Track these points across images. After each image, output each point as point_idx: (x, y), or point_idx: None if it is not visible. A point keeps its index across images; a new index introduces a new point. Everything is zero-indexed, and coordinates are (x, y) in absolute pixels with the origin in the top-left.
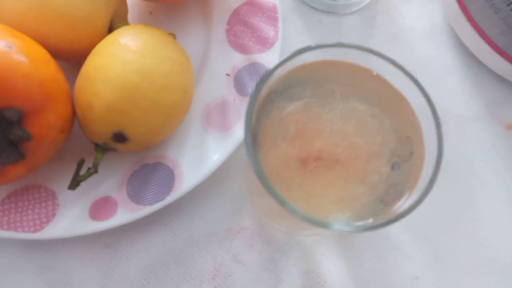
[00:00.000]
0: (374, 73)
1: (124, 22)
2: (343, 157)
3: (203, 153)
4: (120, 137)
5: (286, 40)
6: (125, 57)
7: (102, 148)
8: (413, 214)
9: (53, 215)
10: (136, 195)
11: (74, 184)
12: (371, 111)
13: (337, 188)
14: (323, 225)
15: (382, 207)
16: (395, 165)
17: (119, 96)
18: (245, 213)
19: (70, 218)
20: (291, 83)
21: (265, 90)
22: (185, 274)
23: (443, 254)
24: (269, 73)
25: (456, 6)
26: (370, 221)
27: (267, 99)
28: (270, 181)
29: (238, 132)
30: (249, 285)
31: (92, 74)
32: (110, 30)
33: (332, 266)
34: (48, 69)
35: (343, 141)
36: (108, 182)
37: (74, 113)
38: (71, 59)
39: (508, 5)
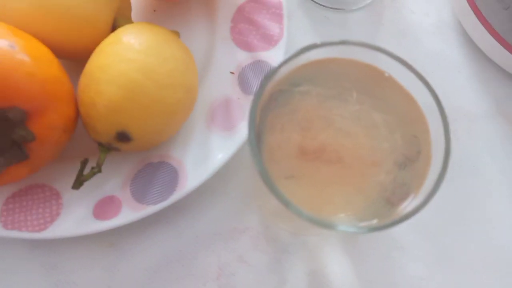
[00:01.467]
0: (383, 72)
1: (127, 20)
2: (345, 155)
3: (207, 152)
4: (123, 137)
5: (291, 37)
6: (128, 55)
7: (105, 148)
8: (420, 214)
9: (58, 214)
10: (140, 195)
11: (78, 183)
12: (382, 113)
13: (341, 188)
14: (328, 226)
15: (389, 207)
16: (402, 165)
17: (123, 95)
18: (250, 212)
19: (74, 217)
20: (296, 81)
21: (269, 88)
22: (189, 273)
23: (449, 255)
24: (274, 71)
25: (464, 2)
26: (375, 222)
27: (271, 98)
28: (273, 181)
29: (242, 131)
30: (253, 285)
31: (95, 73)
32: (113, 28)
33: (338, 267)
34: (51, 68)
35: (349, 140)
36: (112, 182)
37: (77, 113)
38: (74, 58)
39: None
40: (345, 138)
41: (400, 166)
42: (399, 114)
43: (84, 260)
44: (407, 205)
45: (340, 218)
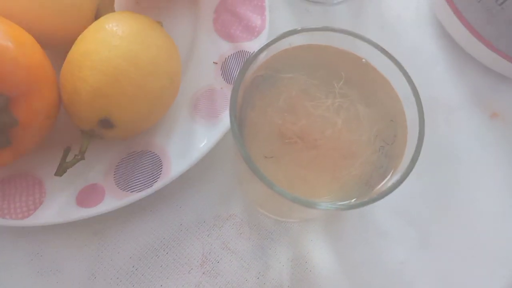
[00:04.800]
0: (361, 59)
1: (111, 10)
2: (322, 144)
3: (190, 140)
4: (106, 123)
5: (273, 29)
6: (112, 42)
7: (88, 135)
8: (401, 200)
9: (41, 202)
10: (124, 182)
11: (61, 170)
12: (363, 104)
13: (318, 174)
14: (310, 204)
15: (367, 188)
16: (379, 150)
17: (106, 81)
18: (234, 200)
19: (58, 205)
20: (279, 67)
21: (251, 72)
22: (174, 261)
23: (430, 240)
24: (256, 54)
25: None
26: (353, 201)
27: (254, 82)
28: (255, 161)
29: (225, 120)
30: (237, 271)
31: (78, 59)
32: (96, 18)
33: (320, 253)
34: (34, 54)
35: (327, 129)
36: (95, 170)
37: (60, 100)
38: (57, 46)
39: None
40: (324, 126)
41: (377, 152)
42: (378, 102)
43: (68, 248)
44: (384, 184)
45: (322, 199)
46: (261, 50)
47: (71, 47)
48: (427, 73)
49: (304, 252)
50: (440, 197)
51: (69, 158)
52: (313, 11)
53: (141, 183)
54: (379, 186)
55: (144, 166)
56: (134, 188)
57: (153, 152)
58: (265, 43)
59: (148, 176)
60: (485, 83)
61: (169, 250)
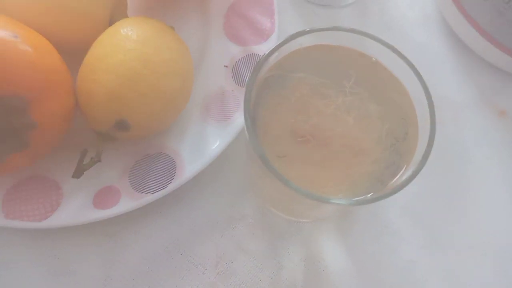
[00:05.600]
0: (371, 58)
1: (124, 16)
2: (333, 142)
3: (203, 142)
4: (122, 125)
5: (282, 32)
6: (126, 46)
7: (104, 137)
8: (410, 200)
9: (58, 204)
10: (139, 184)
11: (79, 172)
12: (374, 103)
13: (330, 172)
14: (323, 199)
15: (379, 185)
16: (391, 148)
17: (121, 83)
18: (246, 201)
19: (74, 207)
20: (290, 67)
21: (263, 72)
22: (188, 262)
23: (439, 238)
24: (267, 56)
25: None
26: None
27: (266, 82)
28: (271, 162)
29: (237, 121)
30: (251, 271)
31: (94, 63)
32: (110, 23)
33: (333, 252)
34: (52, 58)
35: (339, 127)
36: (110, 172)
37: (76, 103)
38: (73, 51)
39: None
40: (335, 125)
41: (389, 149)
42: (388, 100)
43: (84, 250)
44: (396, 181)
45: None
46: (273, 51)
47: (86, 51)
48: (434, 72)
49: (316, 251)
50: (449, 196)
51: (85, 160)
52: (320, 14)
53: (155, 185)
54: (391, 183)
55: (158, 168)
56: (148, 190)
57: (167, 154)
58: (276, 44)
59: (162, 178)
60: (493, 82)
61: (183, 251)
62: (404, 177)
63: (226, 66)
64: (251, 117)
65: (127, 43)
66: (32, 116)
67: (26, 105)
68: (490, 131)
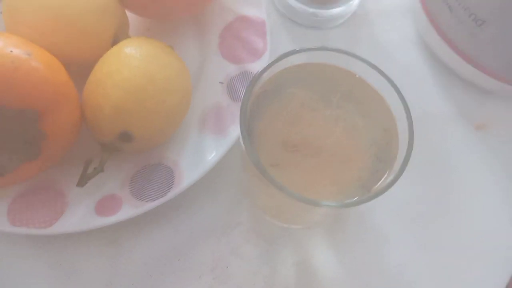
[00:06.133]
0: (356, 75)
1: (126, 36)
2: (323, 151)
3: (200, 153)
4: (126, 136)
5: (274, 51)
6: (132, 63)
7: (108, 148)
8: (397, 206)
9: (62, 212)
10: (139, 193)
11: (83, 181)
12: (358, 115)
13: (319, 179)
14: (315, 203)
15: (364, 191)
16: (375, 157)
17: (126, 98)
18: (241, 209)
19: (78, 214)
20: (282, 83)
21: (257, 88)
22: (185, 267)
23: (428, 242)
24: (260, 73)
25: (426, 20)
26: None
27: (259, 97)
28: (266, 169)
29: (232, 134)
30: (246, 276)
31: (102, 79)
32: (114, 43)
33: (324, 257)
34: (60, 75)
35: (328, 138)
36: (112, 182)
37: (81, 116)
38: (78, 68)
39: (470, 16)
40: (324, 135)
41: (373, 158)
42: (371, 113)
43: (86, 257)
44: (379, 185)
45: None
46: (266, 68)
47: (89, 69)
48: (416, 90)
49: (308, 256)
50: (435, 202)
51: (89, 170)
52: (310, 35)
53: (155, 193)
54: (375, 187)
55: (158, 178)
56: (148, 198)
57: (166, 165)
58: (269, 62)
59: (162, 187)
60: (470, 98)
61: (181, 257)
62: (386, 182)
63: (222, 83)
64: (247, 129)
65: (132, 61)
66: (42, 128)
67: (38, 117)
68: (468, 143)
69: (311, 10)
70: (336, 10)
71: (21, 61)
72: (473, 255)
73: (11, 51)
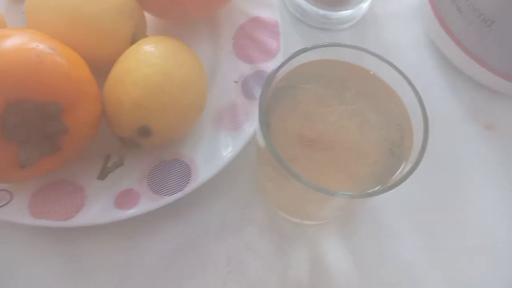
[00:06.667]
0: (370, 71)
1: (143, 36)
2: (337, 146)
3: (216, 150)
4: (144, 131)
5: (286, 52)
6: (150, 61)
7: (127, 143)
8: (408, 205)
9: (82, 205)
10: (156, 187)
11: (103, 174)
12: (372, 110)
13: (334, 173)
14: (329, 192)
15: (378, 185)
16: (389, 152)
17: (146, 94)
18: (254, 206)
19: (97, 207)
20: (296, 80)
21: (273, 85)
22: (201, 261)
23: (437, 240)
24: (277, 70)
25: (436, 21)
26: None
27: (275, 94)
28: (283, 159)
29: (247, 131)
30: (260, 271)
31: (121, 76)
32: (132, 42)
33: (336, 253)
34: (83, 70)
35: (342, 133)
36: (129, 177)
37: (101, 112)
38: (98, 66)
39: (479, 16)
40: (339, 131)
41: (387, 153)
42: (385, 108)
43: (103, 252)
44: (393, 179)
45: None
46: (283, 64)
47: (110, 66)
48: (425, 91)
49: (321, 252)
50: (445, 201)
51: (108, 165)
52: (320, 37)
53: (172, 188)
54: (390, 181)
55: (175, 173)
56: (166, 192)
57: (183, 161)
58: (286, 58)
59: (179, 181)
60: (479, 98)
61: (196, 251)
62: (402, 175)
63: (236, 82)
64: (266, 123)
65: (150, 58)
66: (64, 122)
67: (60, 111)
68: (478, 143)
69: (322, 12)
70: (346, 12)
71: (46, 55)
72: (482, 253)
73: (37, 46)
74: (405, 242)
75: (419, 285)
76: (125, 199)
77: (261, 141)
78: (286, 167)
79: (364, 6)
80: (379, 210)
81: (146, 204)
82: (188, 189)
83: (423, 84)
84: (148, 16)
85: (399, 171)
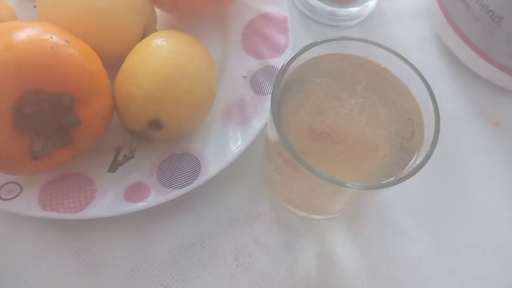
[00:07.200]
0: (381, 65)
1: (154, 30)
2: (348, 139)
3: (225, 144)
4: (155, 124)
5: (295, 48)
6: (162, 54)
7: (138, 136)
8: (415, 201)
9: (92, 198)
10: (166, 181)
11: (114, 167)
12: (382, 104)
13: (344, 166)
14: (341, 183)
15: (387, 178)
16: (399, 146)
17: (157, 86)
18: (262, 200)
19: (108, 200)
20: (306, 74)
21: (284, 79)
22: (210, 255)
23: (443, 237)
24: (288, 64)
25: (443, 18)
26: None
27: (286, 88)
28: (295, 149)
29: (255, 125)
30: (268, 264)
31: (133, 68)
32: (143, 36)
33: (344, 248)
34: (95, 63)
35: (352, 126)
36: (139, 170)
37: (113, 104)
38: (110, 59)
39: (487, 13)
40: (349, 124)
41: (397, 147)
42: (395, 102)
43: (113, 244)
44: (404, 172)
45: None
46: (294, 57)
47: (120, 60)
48: (433, 88)
49: (328, 247)
50: (450, 198)
51: (119, 158)
52: (328, 33)
53: (182, 181)
54: (401, 174)
55: (184, 167)
56: (176, 185)
57: (192, 154)
58: (296, 52)
59: (188, 175)
60: (487, 95)
61: (205, 244)
62: (411, 169)
63: (245, 77)
64: (278, 116)
65: (162, 51)
66: (77, 114)
67: (73, 103)
68: (485, 140)
69: (329, 8)
70: (354, 9)
71: (60, 46)
72: (489, 248)
73: (51, 37)
74: (412, 238)
75: (426, 280)
76: (135, 192)
77: (272, 133)
78: (299, 159)
79: (372, 3)
80: (386, 205)
81: (156, 197)
82: (197, 182)
83: (430, 81)
84: (157, 11)
85: (409, 165)
